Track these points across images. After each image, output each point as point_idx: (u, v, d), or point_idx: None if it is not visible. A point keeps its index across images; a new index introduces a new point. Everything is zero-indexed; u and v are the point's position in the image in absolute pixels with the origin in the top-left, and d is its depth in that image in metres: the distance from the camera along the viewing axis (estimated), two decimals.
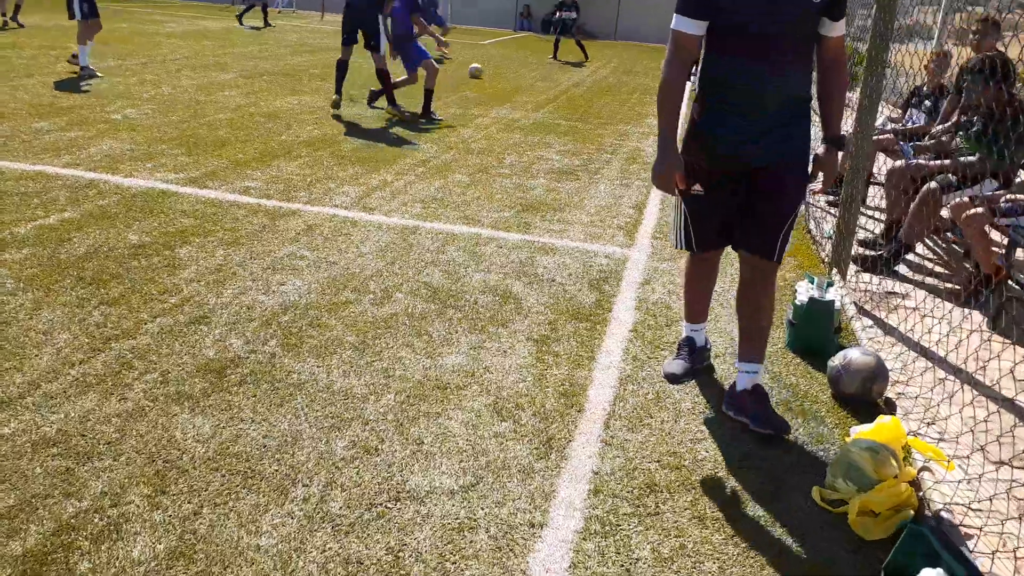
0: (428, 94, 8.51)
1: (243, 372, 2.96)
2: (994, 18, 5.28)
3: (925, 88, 6.16)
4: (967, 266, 4.84)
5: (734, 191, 2.74)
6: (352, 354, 3.16)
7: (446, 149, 7.11)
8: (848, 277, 4.54)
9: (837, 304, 3.48)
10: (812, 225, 5.54)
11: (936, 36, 8.83)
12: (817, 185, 2.71)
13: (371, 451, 2.54)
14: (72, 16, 9.00)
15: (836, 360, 3.08)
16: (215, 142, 6.56)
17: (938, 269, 4.94)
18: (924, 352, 3.55)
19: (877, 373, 2.99)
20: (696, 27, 2.53)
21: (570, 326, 3.60)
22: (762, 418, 2.77)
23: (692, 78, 2.78)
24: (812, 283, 3.56)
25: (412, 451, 2.56)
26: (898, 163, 5.20)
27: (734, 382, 2.92)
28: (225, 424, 2.63)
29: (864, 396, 3.01)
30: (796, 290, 3.58)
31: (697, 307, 3.12)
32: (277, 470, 2.42)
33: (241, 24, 18.43)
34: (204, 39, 14.98)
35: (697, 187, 2.70)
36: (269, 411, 2.72)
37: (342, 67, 8.32)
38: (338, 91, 8.40)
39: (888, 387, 3.10)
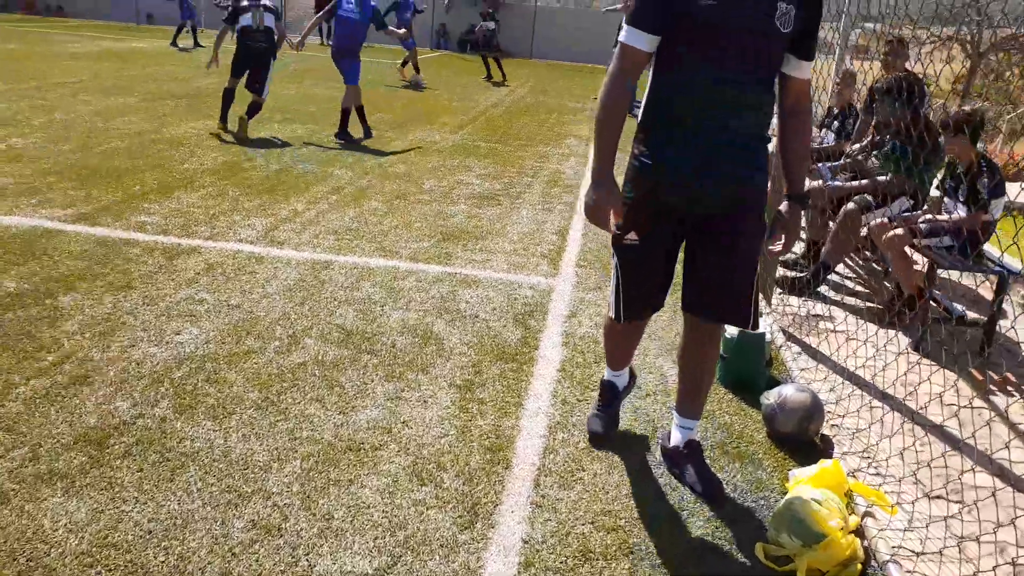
0: (345, 114, 8.23)
1: (128, 441, 2.63)
2: (902, 37, 5.38)
3: (833, 107, 6.24)
4: (888, 286, 4.86)
5: (673, 245, 2.46)
6: (253, 414, 2.87)
7: (362, 175, 6.83)
8: (772, 301, 4.49)
9: (768, 336, 3.38)
10: None
11: (837, 53, 9.07)
12: (777, 246, 2.43)
13: (273, 531, 2.26)
14: None
15: (771, 398, 2.96)
16: (110, 173, 6.11)
17: (860, 289, 4.95)
18: (854, 379, 3.48)
19: (813, 411, 2.89)
20: (650, 43, 2.24)
21: (495, 368, 3.39)
22: (696, 477, 2.60)
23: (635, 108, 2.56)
24: None
25: (320, 529, 2.29)
26: (815, 183, 5.21)
27: (669, 431, 2.76)
28: (104, 507, 2.30)
29: (801, 436, 2.89)
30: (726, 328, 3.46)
31: (620, 356, 2.88)
32: (164, 561, 2.11)
33: (176, 46, 17.61)
34: (106, 60, 14.24)
35: (632, 236, 2.40)
36: (156, 488, 2.41)
37: (229, 96, 8.08)
38: (223, 119, 8.11)
39: (824, 423, 3.00)
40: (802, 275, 4.70)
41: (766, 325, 3.44)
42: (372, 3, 8.15)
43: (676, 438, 2.68)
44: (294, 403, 2.96)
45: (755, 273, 2.41)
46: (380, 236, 5.13)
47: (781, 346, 3.82)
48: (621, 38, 2.26)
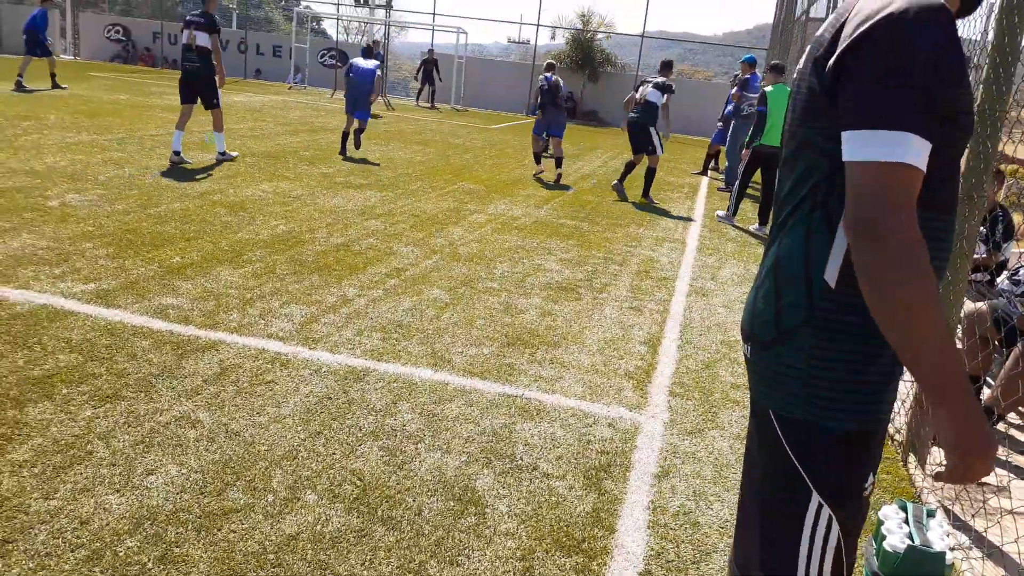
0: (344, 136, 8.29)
1: None
2: None
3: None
4: None
5: None
6: None
7: (429, 253, 6.10)
8: (927, 462, 3.41)
9: (949, 558, 2.32)
10: None
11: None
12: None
13: None
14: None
15: None
16: (154, 240, 5.57)
17: None
18: None
19: None
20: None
21: (552, 563, 2.46)
22: None
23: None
24: (906, 513, 2.42)
25: None
26: (979, 305, 4.13)
27: None
28: None
29: None
30: (881, 523, 2.43)
31: None
32: None
33: (22, 88, 14.39)
34: (199, 113, 14.30)
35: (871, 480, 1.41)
36: None
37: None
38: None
39: None
40: None
41: (941, 531, 2.39)
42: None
43: None
44: None
45: None
46: (434, 336, 4.32)
47: (954, 548, 2.75)
48: (889, 156, 1.15)
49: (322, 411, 3.29)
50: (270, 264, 5.33)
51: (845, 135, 1.21)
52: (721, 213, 9.39)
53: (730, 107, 12.16)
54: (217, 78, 9.31)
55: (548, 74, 10.94)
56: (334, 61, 26.49)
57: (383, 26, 29.53)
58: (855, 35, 1.21)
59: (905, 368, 1.21)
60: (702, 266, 6.72)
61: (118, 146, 9.53)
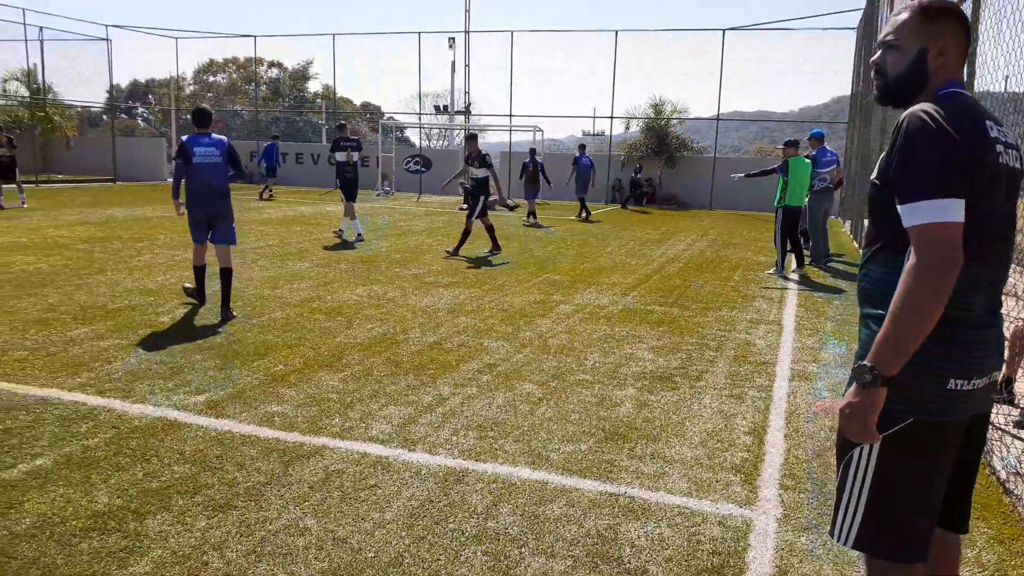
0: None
1: None
2: None
3: None
4: None
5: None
6: None
7: (519, 348, 6.13)
8: None
9: None
10: (993, 459, 4.13)
11: None
12: None
13: None
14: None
15: None
16: (258, 349, 5.82)
17: None
18: None
19: None
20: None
21: None
22: None
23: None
24: None
25: None
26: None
27: None
28: None
29: None
30: None
31: None
32: None
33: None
34: (296, 224, 15.13)
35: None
36: None
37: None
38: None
39: None
40: None
41: None
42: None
43: None
44: None
45: None
46: (529, 433, 4.29)
47: None
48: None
49: (424, 515, 3.29)
50: (368, 367, 5.47)
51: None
52: (771, 271, 10.64)
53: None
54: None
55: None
56: (418, 167, 27.66)
57: (463, 130, 30.81)
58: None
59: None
60: (802, 348, 6.50)
61: None
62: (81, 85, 33.97)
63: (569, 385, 5.21)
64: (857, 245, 14.60)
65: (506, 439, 4.20)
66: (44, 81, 29.10)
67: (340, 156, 13.17)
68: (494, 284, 9.01)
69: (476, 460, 3.90)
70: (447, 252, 11.39)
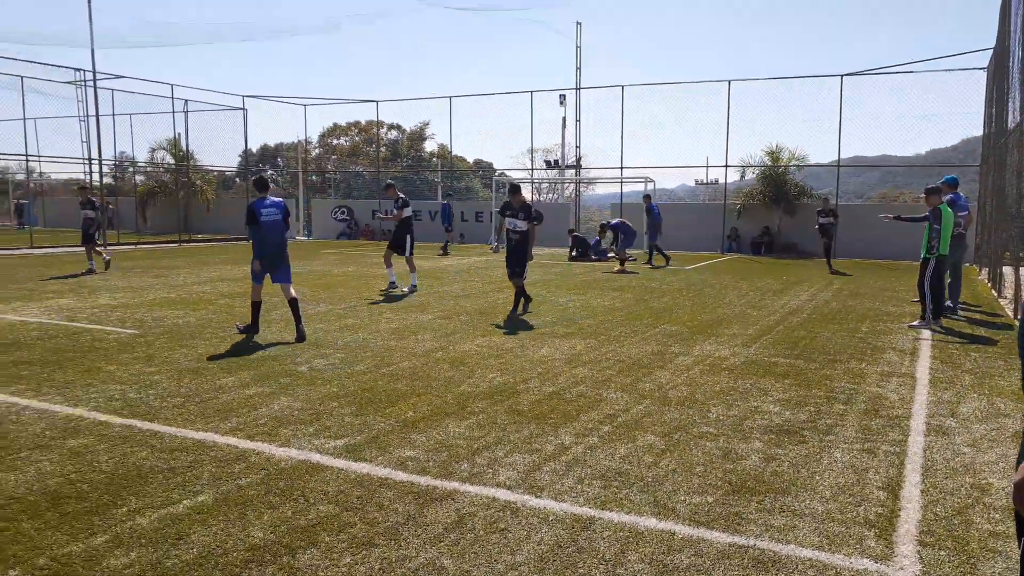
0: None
1: None
2: None
3: None
4: None
5: None
6: None
7: (639, 399, 6.17)
8: None
9: None
10: None
11: None
12: None
13: None
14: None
15: None
16: (389, 397, 6.13)
17: None
18: None
19: None
20: None
21: None
22: None
23: None
24: None
25: None
26: None
27: None
28: None
29: None
30: None
31: None
32: None
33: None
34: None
35: None
36: None
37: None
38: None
39: None
40: None
41: None
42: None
43: None
44: None
45: None
46: (654, 484, 4.32)
47: None
48: None
49: (555, 559, 3.39)
50: (491, 415, 5.65)
51: None
52: (916, 323, 10.23)
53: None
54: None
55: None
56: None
57: (574, 184, 31.24)
58: None
59: None
60: (937, 402, 6.20)
61: (352, 312, 10.69)
62: (217, 151, 37.05)
63: (692, 437, 5.20)
64: (996, 294, 13.74)
65: (630, 488, 4.24)
66: (188, 149, 31.85)
67: (407, 211, 14.13)
68: (610, 335, 9.07)
69: (602, 508, 3.97)
70: (515, 313, 10.76)
